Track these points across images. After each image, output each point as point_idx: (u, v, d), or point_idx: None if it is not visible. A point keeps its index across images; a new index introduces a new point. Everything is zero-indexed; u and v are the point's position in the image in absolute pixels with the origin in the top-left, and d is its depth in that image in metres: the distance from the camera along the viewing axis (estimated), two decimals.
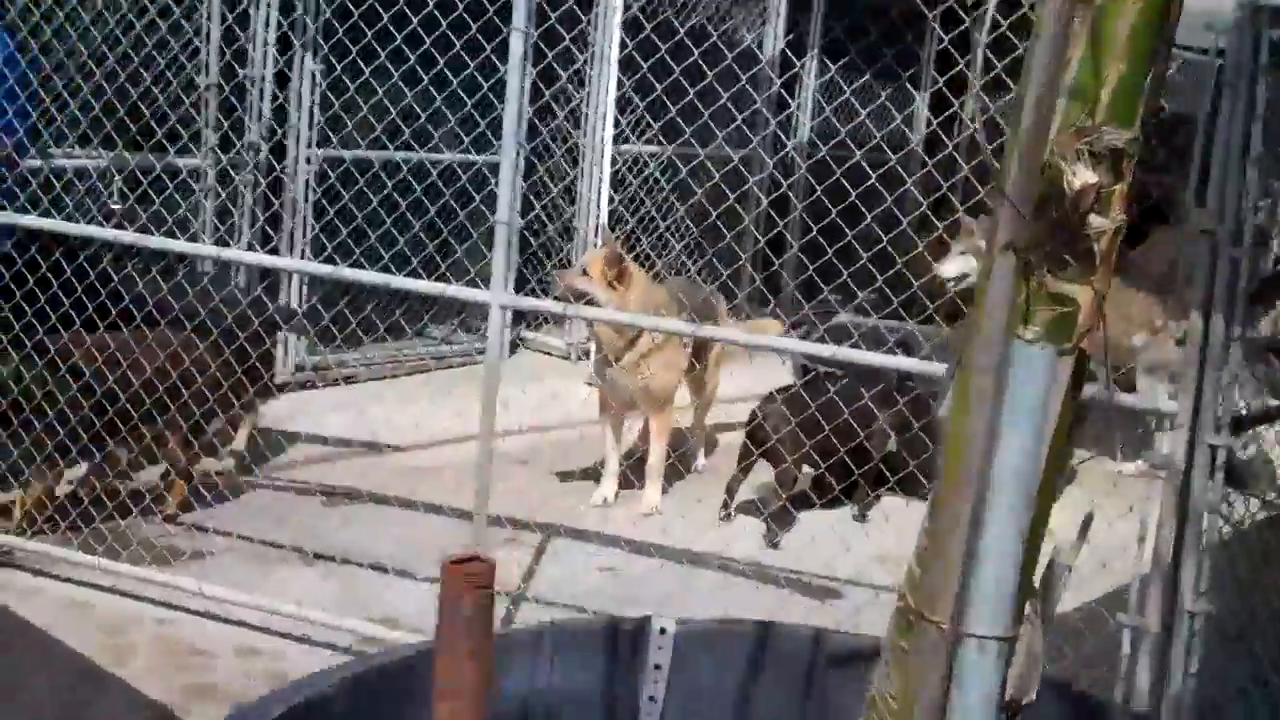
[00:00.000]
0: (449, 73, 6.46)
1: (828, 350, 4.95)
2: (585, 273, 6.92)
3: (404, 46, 5.84)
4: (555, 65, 6.69)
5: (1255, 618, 4.41)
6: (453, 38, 5.99)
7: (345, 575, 6.06)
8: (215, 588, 5.56)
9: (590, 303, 6.77)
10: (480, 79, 5.95)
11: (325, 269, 5.89)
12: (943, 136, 9.60)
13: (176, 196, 7.03)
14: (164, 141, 6.72)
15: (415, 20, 5.51)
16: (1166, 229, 9.95)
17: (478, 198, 7.32)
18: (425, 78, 6.41)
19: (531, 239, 10.33)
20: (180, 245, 5.68)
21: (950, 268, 8.66)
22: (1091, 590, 4.84)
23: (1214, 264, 4.13)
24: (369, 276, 5.56)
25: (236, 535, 6.38)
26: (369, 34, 5.72)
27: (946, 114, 10.76)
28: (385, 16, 5.55)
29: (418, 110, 6.73)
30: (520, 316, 10.20)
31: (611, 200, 10.04)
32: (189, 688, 4.99)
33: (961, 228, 8.53)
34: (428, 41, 5.83)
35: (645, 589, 6.09)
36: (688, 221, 10.62)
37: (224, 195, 8.19)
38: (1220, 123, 4.08)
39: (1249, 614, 4.52)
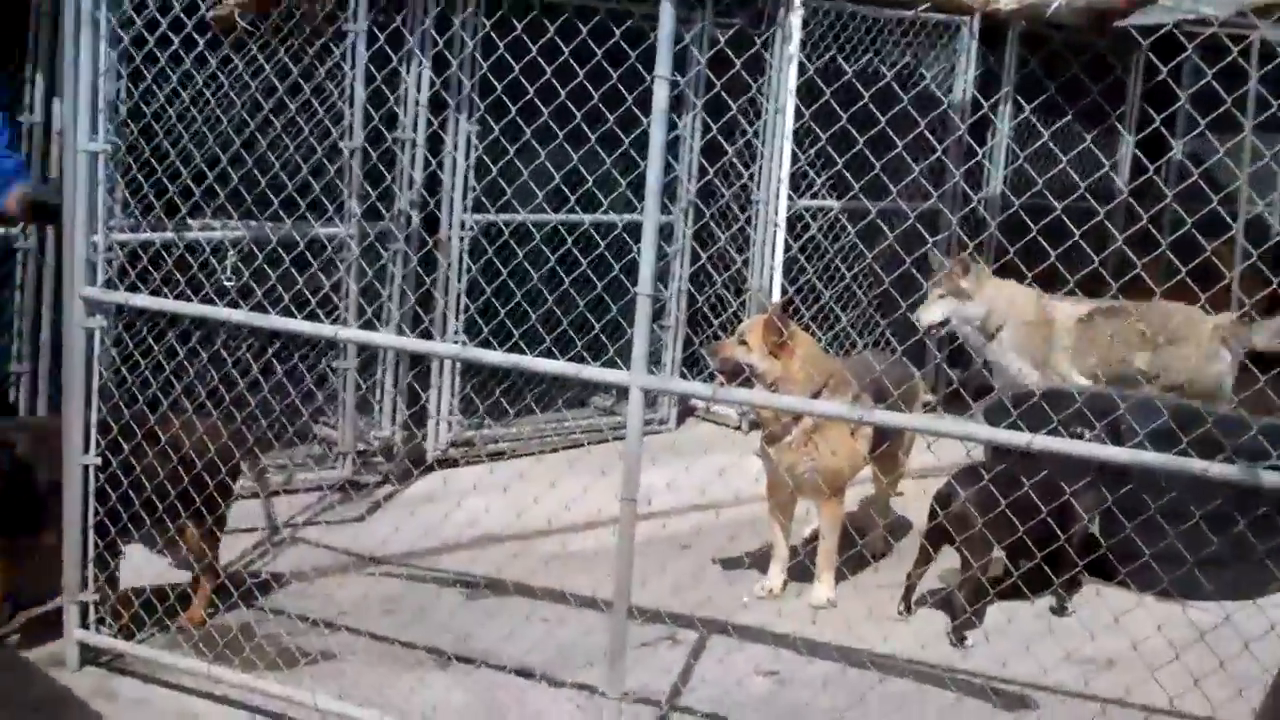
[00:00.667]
0: (618, 130, 5.85)
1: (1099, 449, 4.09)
2: (744, 342, 6.26)
3: (567, 103, 5.24)
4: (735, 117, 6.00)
5: None
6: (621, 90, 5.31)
7: (483, 680, 5.52)
8: (331, 701, 5.04)
9: (748, 380, 6.14)
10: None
11: (450, 349, 5.35)
12: (1156, 181, 8.92)
13: (320, 274, 6.53)
14: (306, 214, 6.23)
15: (578, 75, 4.88)
16: None
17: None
18: (590, 135, 5.76)
19: (706, 307, 9.72)
20: (286, 323, 5.15)
21: (931, 313, 8.35)
22: None
23: None
24: (496, 358, 5.00)
25: (368, 634, 5.85)
26: (530, 91, 5.09)
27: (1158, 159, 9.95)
28: (548, 70, 4.94)
29: (583, 172, 6.15)
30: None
31: (788, 259, 9.39)
32: None
33: (945, 271, 8.24)
34: (594, 96, 5.12)
35: (816, 698, 5.41)
36: (865, 282, 9.92)
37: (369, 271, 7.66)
38: None
39: None
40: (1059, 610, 6.42)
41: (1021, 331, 8.22)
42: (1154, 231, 4.65)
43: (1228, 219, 5.22)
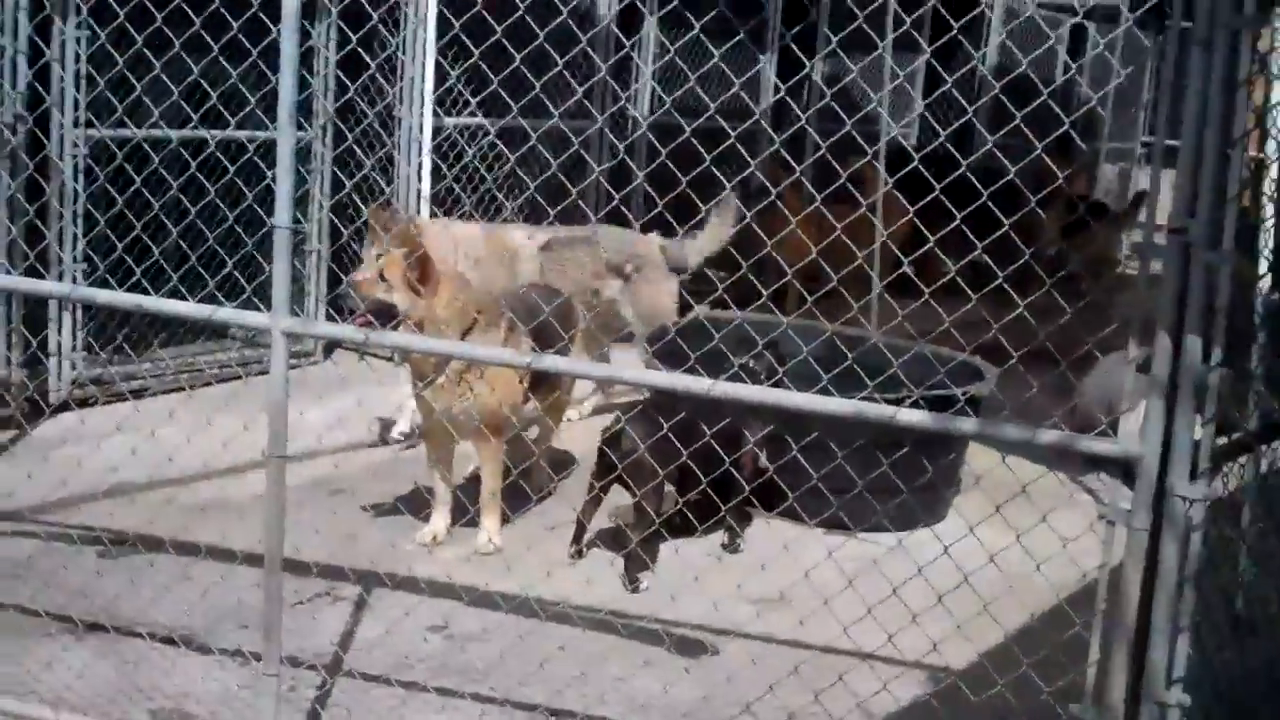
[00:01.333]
0: (244, 39, 5.33)
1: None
2: (384, 277, 5.90)
3: (185, 7, 4.73)
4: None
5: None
6: None
7: (127, 652, 5.06)
8: None
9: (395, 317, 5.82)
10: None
11: (60, 288, 4.81)
12: (791, 103, 8.90)
13: None
14: None
15: None
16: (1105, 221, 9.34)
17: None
18: (213, 44, 5.22)
19: (352, 238, 9.24)
20: None
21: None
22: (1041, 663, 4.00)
23: (1185, 271, 3.35)
24: (113, 297, 4.51)
25: None
26: None
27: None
28: None
29: (206, 87, 5.60)
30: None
31: (437, 179, 9.01)
32: None
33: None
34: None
35: (488, 651, 5.17)
36: (519, 203, 9.63)
37: None
38: (1190, 93, 3.28)
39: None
40: (732, 547, 6.37)
41: (479, 271, 7.29)
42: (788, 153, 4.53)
43: (861, 142, 5.16)
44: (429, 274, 5.91)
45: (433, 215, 8.96)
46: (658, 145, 4.51)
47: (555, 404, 6.84)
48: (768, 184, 6.71)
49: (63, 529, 5.88)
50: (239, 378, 8.17)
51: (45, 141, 7.27)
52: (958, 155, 4.13)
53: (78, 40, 7.39)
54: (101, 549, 5.85)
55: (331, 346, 9.33)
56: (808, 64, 11.69)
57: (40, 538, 5.94)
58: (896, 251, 8.22)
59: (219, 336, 8.87)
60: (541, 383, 6.28)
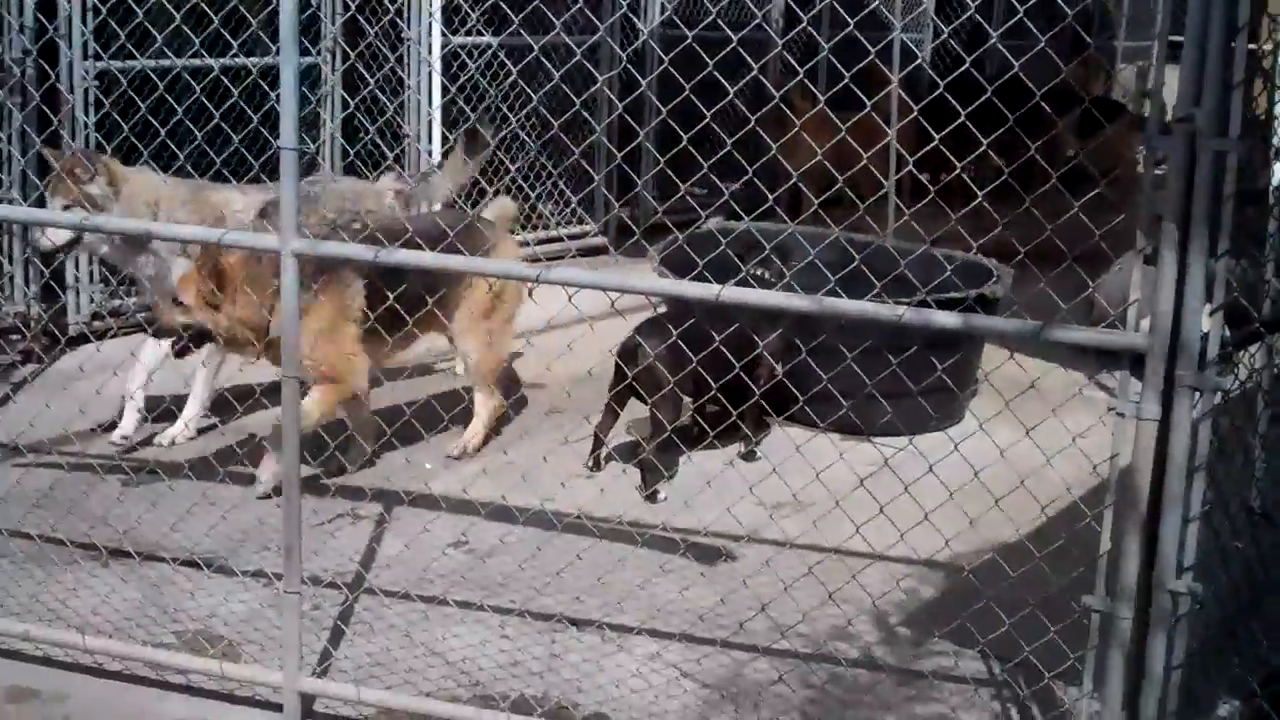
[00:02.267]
0: None
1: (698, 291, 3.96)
2: (180, 302, 5.70)
3: None
4: None
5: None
6: None
7: (150, 576, 5.12)
8: None
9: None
10: None
11: (71, 219, 4.82)
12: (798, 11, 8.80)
13: None
14: None
15: None
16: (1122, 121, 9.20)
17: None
18: None
19: (362, 157, 9.19)
20: None
21: (55, 234, 6.41)
22: (1053, 555, 4.02)
23: (1191, 160, 3.33)
24: (128, 225, 4.53)
25: (17, 533, 5.34)
26: None
27: None
28: None
29: (207, 11, 5.57)
30: None
31: (446, 99, 8.96)
32: None
33: (62, 175, 6.26)
34: None
35: (506, 563, 5.22)
36: (530, 125, 9.58)
37: None
38: None
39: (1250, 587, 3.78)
40: (749, 456, 6.39)
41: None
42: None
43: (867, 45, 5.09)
44: (225, 284, 5.65)
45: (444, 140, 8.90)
46: (664, 57, 4.44)
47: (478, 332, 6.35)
48: (773, 91, 6.59)
49: (83, 458, 5.92)
50: None
51: (53, 74, 7.26)
52: (965, 56, 4.09)
53: None
54: (122, 477, 5.89)
55: None
56: None
57: (62, 467, 5.99)
58: (907, 157, 8.12)
59: None
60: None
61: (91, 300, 7.85)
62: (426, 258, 5.14)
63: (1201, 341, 3.51)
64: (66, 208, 6.21)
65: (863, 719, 4.35)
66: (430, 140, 8.91)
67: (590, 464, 6.26)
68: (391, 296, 5.13)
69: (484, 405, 6.34)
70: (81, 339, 7.47)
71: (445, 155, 7.87)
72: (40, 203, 6.78)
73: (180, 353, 5.83)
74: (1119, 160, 12.90)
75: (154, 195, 6.45)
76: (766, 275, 6.22)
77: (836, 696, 4.47)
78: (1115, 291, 6.80)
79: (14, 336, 7.33)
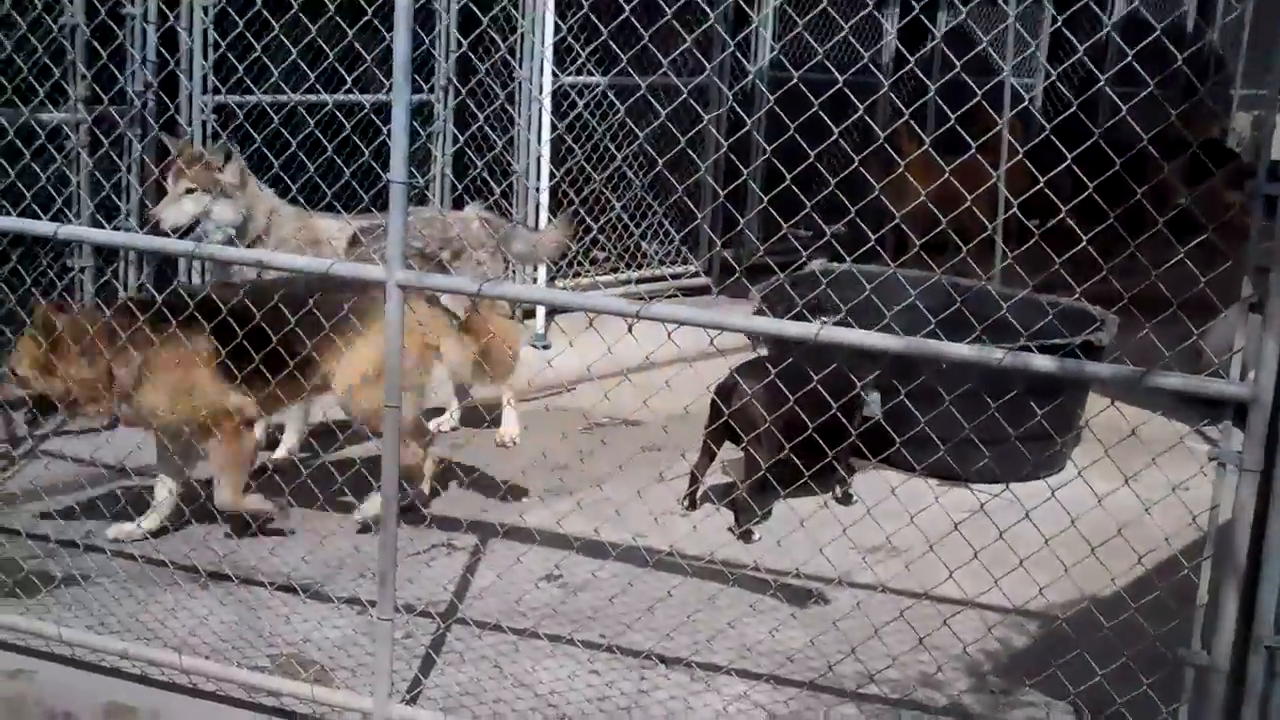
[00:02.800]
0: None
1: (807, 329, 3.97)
2: (15, 374, 5.50)
3: None
4: None
5: None
6: None
7: (247, 600, 5.20)
8: (75, 632, 4.67)
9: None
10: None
11: (184, 247, 4.93)
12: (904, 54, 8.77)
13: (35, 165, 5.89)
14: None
15: None
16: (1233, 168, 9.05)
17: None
18: (329, 5, 5.27)
19: (470, 192, 9.29)
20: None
21: (175, 212, 6.41)
22: (1149, 607, 3.94)
23: None
24: (243, 255, 4.62)
25: (120, 554, 5.47)
26: None
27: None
28: None
29: (324, 47, 5.68)
30: None
31: (554, 136, 9.04)
32: None
33: (193, 160, 6.42)
34: None
35: (597, 598, 5.23)
36: (636, 163, 9.63)
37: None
38: None
39: None
40: (845, 499, 6.36)
41: (286, 249, 6.37)
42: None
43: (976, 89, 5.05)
44: (59, 347, 5.41)
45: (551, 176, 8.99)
46: (770, 97, 4.47)
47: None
48: (879, 131, 6.51)
49: (187, 481, 6.02)
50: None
51: (172, 107, 7.43)
52: (1074, 100, 4.06)
53: (204, 9, 7.53)
54: None
55: None
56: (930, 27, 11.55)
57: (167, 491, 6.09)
58: (1012, 200, 8.03)
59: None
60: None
61: None
62: (525, 291, 5.21)
63: None
64: (189, 191, 6.35)
65: None
66: (539, 176, 8.98)
67: (685, 503, 6.26)
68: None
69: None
70: None
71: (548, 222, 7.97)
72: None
73: (30, 423, 5.76)
74: (1228, 207, 12.68)
75: (271, 206, 6.56)
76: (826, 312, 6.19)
77: None
78: (1222, 341, 6.68)
79: None
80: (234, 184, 6.40)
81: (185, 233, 6.42)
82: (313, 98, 7.60)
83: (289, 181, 5.44)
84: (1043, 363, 3.70)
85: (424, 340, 5.72)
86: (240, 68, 6.19)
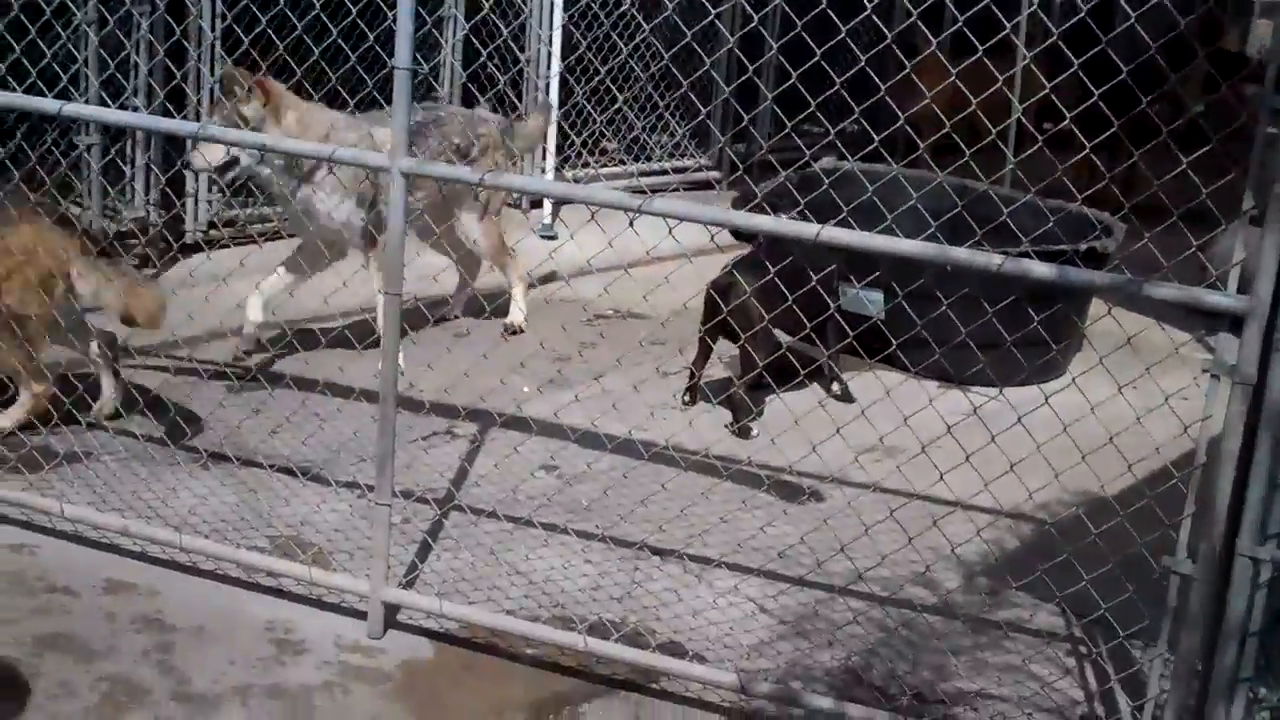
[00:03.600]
0: None
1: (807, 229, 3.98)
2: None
3: None
4: None
5: None
6: None
7: (247, 481, 5.26)
8: (76, 508, 4.73)
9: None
10: None
11: (192, 128, 4.93)
12: None
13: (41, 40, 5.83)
14: None
15: None
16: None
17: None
18: None
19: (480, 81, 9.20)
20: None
21: (211, 152, 6.26)
22: (1137, 515, 3.98)
23: None
24: (246, 137, 4.63)
25: (123, 432, 5.51)
26: None
27: None
28: None
29: None
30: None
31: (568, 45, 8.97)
32: (41, 637, 4.17)
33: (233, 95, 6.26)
34: None
35: (593, 489, 5.30)
36: (651, 52, 9.55)
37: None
38: None
39: None
40: (844, 397, 6.40)
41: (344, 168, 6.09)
42: None
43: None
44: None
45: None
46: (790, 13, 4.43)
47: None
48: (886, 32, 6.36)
49: (189, 363, 6.07)
50: None
51: None
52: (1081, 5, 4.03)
53: None
54: (226, 383, 6.03)
55: None
56: None
57: (169, 371, 6.14)
58: (1016, 105, 7.94)
59: None
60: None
61: (210, 207, 7.99)
62: (518, 181, 5.17)
63: None
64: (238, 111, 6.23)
65: (933, 664, 4.37)
66: (549, 66, 8.91)
67: (685, 398, 6.30)
68: None
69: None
70: (195, 247, 7.65)
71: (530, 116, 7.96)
72: (164, 112, 6.91)
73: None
74: (1237, 118, 12.52)
75: (328, 121, 6.48)
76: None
77: (909, 640, 4.49)
78: (1225, 252, 6.66)
79: (131, 242, 7.49)
80: (259, 115, 6.24)
81: (227, 167, 6.36)
82: None
83: (295, 66, 5.40)
84: (1040, 269, 3.71)
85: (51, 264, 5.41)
86: None
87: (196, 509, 5.04)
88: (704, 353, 6.28)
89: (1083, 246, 6.49)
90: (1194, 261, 3.84)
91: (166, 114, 6.77)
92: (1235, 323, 3.50)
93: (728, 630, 4.51)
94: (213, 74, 7.50)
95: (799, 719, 4.09)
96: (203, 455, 5.26)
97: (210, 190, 7.96)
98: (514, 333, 7.28)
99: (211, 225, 8.01)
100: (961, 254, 3.74)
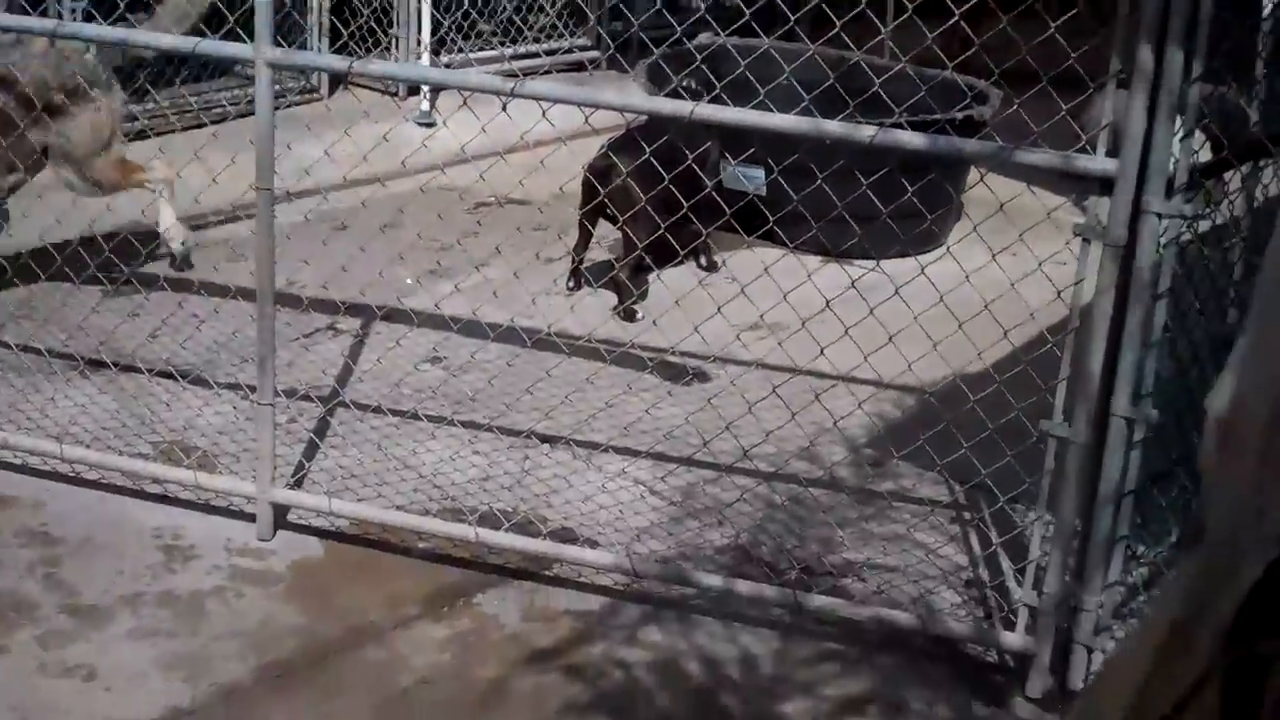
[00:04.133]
0: None
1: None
2: None
3: None
4: None
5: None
6: None
7: (129, 386, 5.17)
8: None
9: None
10: None
11: (44, 24, 4.76)
12: None
13: None
14: None
15: None
16: None
17: None
18: None
19: None
20: None
21: None
22: (1014, 381, 4.04)
23: None
24: (104, 33, 4.48)
25: None
26: None
27: None
28: None
29: None
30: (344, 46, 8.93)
31: None
32: None
33: None
34: None
35: (478, 379, 5.27)
36: None
37: None
38: None
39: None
40: (710, 266, 6.42)
41: None
42: None
43: None
44: None
45: None
46: None
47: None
48: None
49: (60, 269, 5.91)
50: (234, 117, 8.05)
51: None
52: None
53: None
54: (100, 288, 5.89)
55: (335, 83, 9.17)
56: None
57: (39, 278, 5.97)
58: None
59: (220, 74, 8.75)
60: None
61: None
62: (397, 69, 5.02)
63: (1171, 168, 3.49)
64: None
65: (820, 537, 4.44)
66: None
67: (569, 284, 6.27)
68: None
69: None
70: None
71: None
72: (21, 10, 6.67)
73: None
74: None
75: None
76: (694, 85, 6.13)
77: (797, 515, 4.56)
78: (1096, 116, 6.71)
79: None
80: None
81: None
82: None
83: None
84: (912, 139, 3.71)
85: None
86: None
87: (77, 418, 4.96)
88: (584, 237, 6.24)
89: (958, 114, 6.51)
90: (1066, 126, 3.86)
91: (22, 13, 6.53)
92: (1106, 185, 3.54)
93: (618, 514, 4.54)
94: None
95: (691, 599, 4.13)
96: (80, 363, 5.15)
97: None
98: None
99: None
100: (834, 127, 3.74)
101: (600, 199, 5.94)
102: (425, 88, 8.89)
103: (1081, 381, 3.59)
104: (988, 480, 4.03)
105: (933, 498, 4.64)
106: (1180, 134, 3.50)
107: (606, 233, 6.42)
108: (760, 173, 6.39)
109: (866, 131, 3.68)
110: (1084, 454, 3.65)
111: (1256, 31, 4.59)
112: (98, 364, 5.18)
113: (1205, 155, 3.75)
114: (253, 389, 4.46)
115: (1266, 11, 4.61)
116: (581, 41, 10.43)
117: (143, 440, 4.87)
